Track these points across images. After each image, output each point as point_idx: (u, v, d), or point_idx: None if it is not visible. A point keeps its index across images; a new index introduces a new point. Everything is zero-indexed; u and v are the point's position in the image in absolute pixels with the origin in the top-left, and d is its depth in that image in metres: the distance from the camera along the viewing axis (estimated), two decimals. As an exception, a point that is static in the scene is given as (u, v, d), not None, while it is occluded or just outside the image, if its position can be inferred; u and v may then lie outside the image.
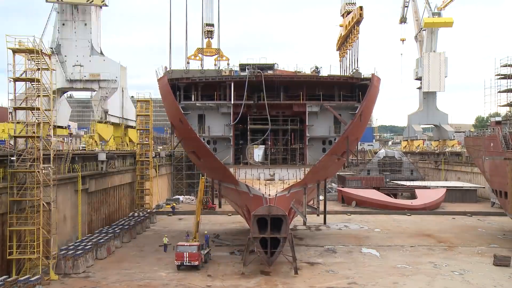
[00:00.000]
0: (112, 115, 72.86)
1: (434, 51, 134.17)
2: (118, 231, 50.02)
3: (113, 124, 73.84)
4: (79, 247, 41.00)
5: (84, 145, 63.32)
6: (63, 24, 70.56)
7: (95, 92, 72.59)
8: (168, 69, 46.99)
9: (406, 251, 47.24)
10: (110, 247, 45.53)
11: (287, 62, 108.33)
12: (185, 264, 39.19)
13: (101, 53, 73.23)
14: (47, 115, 37.24)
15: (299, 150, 48.57)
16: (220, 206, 51.83)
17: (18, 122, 37.33)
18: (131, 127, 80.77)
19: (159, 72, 47.48)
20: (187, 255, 39.16)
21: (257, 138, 47.34)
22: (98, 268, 39.74)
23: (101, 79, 69.80)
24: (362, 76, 46.42)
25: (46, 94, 37.12)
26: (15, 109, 37.13)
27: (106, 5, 71.53)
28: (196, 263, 39.14)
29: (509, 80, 55.10)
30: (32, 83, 36.74)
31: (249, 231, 40.35)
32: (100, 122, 69.04)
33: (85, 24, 70.76)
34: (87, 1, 68.50)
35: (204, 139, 46.32)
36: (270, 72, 47.93)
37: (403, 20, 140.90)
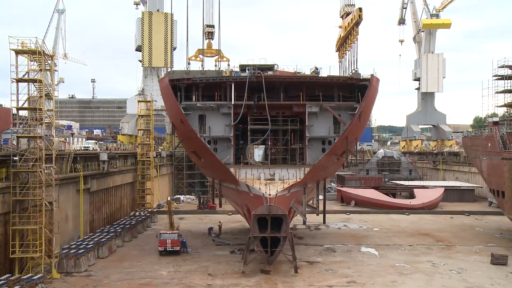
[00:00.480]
0: None
1: (432, 52, 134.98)
2: (119, 230, 50.39)
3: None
4: (81, 246, 41.33)
5: (88, 146, 64.26)
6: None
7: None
8: (169, 70, 47.36)
9: (405, 250, 47.64)
10: (112, 246, 45.88)
11: (287, 63, 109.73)
12: (167, 250, 43.91)
13: None
14: (49, 115, 37.60)
15: (299, 150, 48.95)
16: (220, 206, 52.28)
17: (21, 123, 37.70)
18: None
19: (160, 73, 47.83)
20: (169, 242, 43.96)
21: (257, 138, 47.70)
22: (99, 267, 40.06)
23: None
24: (361, 77, 46.82)
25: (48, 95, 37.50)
26: (18, 109, 37.51)
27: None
28: (177, 248, 44.06)
29: (506, 81, 55.57)
30: (35, 83, 37.08)
31: (249, 230, 40.68)
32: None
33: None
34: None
35: (204, 139, 46.66)
36: (270, 73, 48.36)
37: (401, 21, 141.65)
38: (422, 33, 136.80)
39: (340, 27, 58.51)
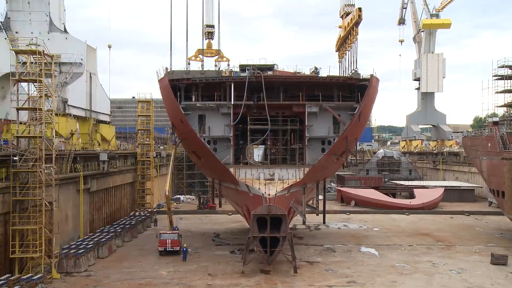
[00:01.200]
0: (74, 106, 60.02)
1: (432, 52, 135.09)
2: (119, 230, 50.43)
3: (76, 117, 61.38)
4: (81, 246, 41.38)
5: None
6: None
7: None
8: (168, 70, 47.38)
9: (405, 250, 47.65)
10: (112, 246, 45.90)
11: (286, 63, 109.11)
12: (167, 250, 43.79)
13: (65, 30, 61.96)
14: (49, 115, 37.60)
15: (298, 150, 48.94)
16: (220, 206, 52.36)
17: (21, 123, 37.72)
18: (104, 122, 70.67)
19: (159, 73, 47.89)
20: (169, 242, 43.88)
21: (257, 138, 47.70)
22: (99, 267, 40.08)
23: (62, 62, 57.25)
24: (361, 77, 46.82)
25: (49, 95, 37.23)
26: (18, 109, 37.54)
27: None
28: (177, 248, 43.89)
29: (506, 81, 55.59)
30: (35, 83, 37.09)
31: (249, 230, 40.71)
32: (57, 114, 50.21)
33: None
34: None
35: (204, 139, 46.65)
36: (269, 72, 48.34)
37: (401, 21, 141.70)
38: (422, 33, 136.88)
39: (340, 27, 58.43)
